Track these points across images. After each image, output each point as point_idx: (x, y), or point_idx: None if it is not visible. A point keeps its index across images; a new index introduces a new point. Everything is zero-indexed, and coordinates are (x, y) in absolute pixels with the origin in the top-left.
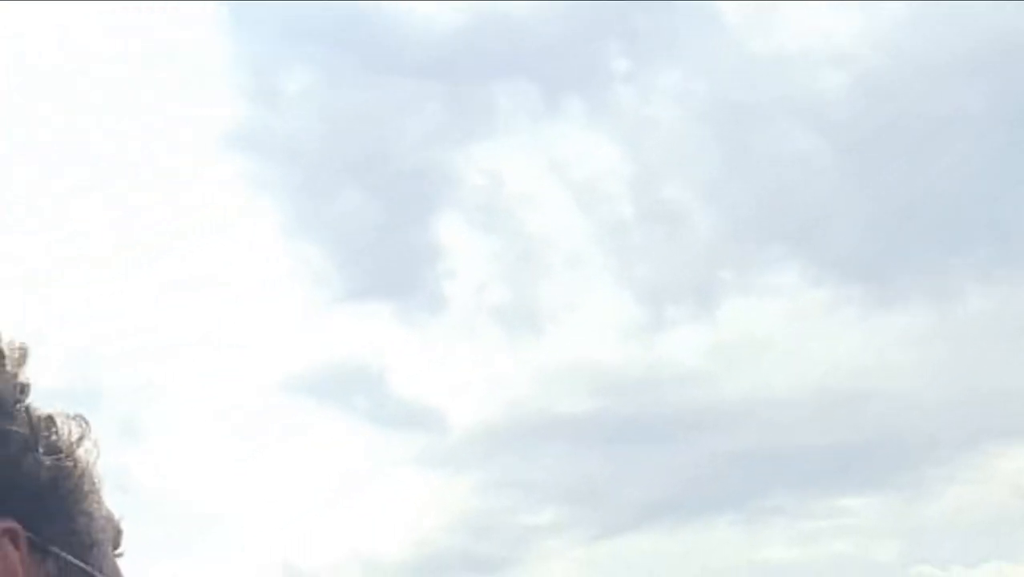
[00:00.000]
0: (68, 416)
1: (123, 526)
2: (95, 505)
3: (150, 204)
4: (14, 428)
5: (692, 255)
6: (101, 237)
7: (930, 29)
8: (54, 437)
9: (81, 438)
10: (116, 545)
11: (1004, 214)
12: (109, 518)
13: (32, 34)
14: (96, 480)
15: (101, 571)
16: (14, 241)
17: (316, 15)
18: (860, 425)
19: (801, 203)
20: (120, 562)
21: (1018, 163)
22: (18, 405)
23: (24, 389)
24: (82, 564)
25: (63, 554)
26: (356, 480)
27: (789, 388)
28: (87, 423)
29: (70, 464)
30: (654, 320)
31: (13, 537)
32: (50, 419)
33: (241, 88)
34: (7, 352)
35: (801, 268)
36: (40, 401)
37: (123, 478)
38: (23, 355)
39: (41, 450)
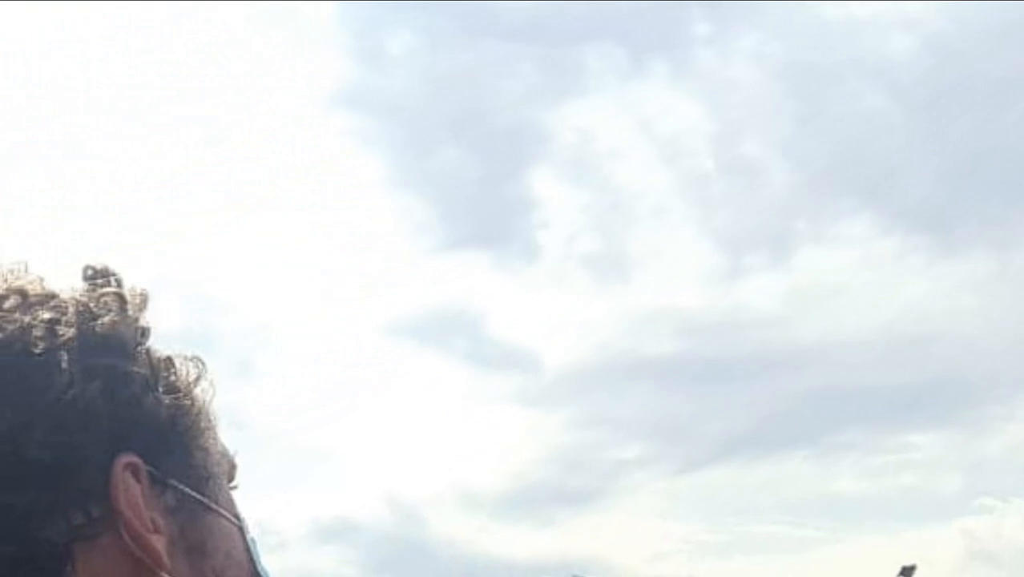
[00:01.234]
0: (186, 358)
1: (237, 460)
2: (211, 441)
3: (265, 158)
4: (135, 369)
5: (768, 206)
6: (218, 190)
7: None
8: (173, 377)
9: (198, 378)
10: (231, 478)
11: None
12: (224, 453)
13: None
14: (212, 417)
15: (217, 502)
16: (135, 194)
17: None
18: (926, 366)
19: (871, 158)
20: (235, 494)
21: None
22: (139, 348)
23: (145, 333)
24: (199, 496)
25: (181, 486)
26: (455, 417)
27: (859, 331)
28: (203, 364)
29: (188, 403)
30: (733, 267)
31: (135, 471)
32: (169, 360)
33: (348, 50)
34: (129, 298)
35: (871, 219)
36: (159, 344)
37: (237, 415)
38: (144, 301)
39: (161, 390)
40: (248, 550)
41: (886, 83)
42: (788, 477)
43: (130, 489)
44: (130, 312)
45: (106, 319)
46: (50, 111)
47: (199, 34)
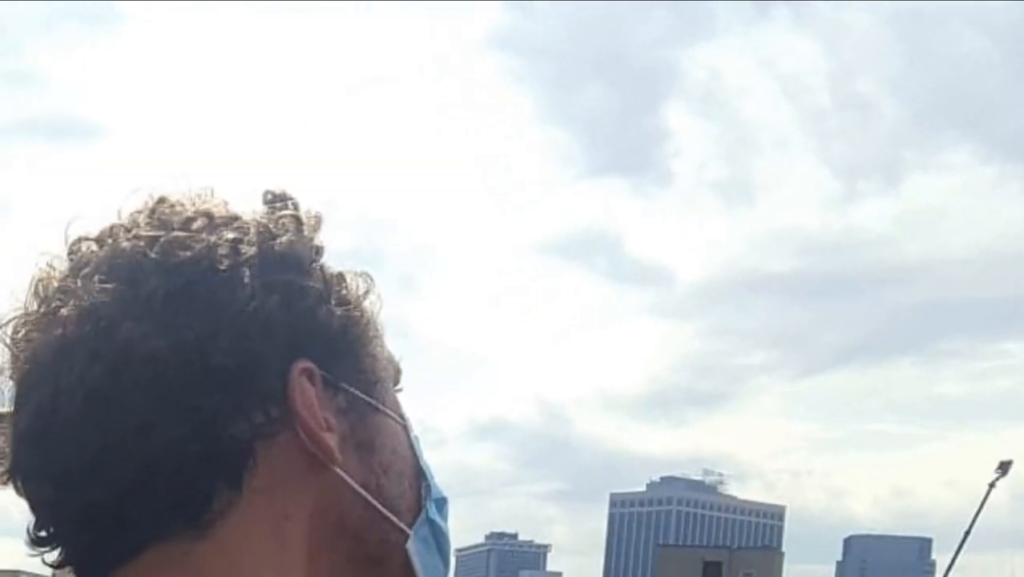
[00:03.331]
0: (356, 273)
1: (402, 366)
2: (378, 348)
3: (427, 95)
4: (311, 284)
5: (879, 138)
6: (385, 123)
7: None
8: (344, 291)
9: (367, 292)
10: (396, 382)
11: None
12: (390, 359)
13: None
14: (379, 327)
15: (383, 404)
16: (311, 127)
17: None
18: (1022, 281)
19: (972, 94)
20: (399, 396)
21: None
22: (313, 264)
23: (319, 251)
24: (367, 398)
25: (351, 389)
26: (597, 327)
27: (962, 250)
28: (372, 279)
29: (357, 314)
30: (847, 193)
31: (310, 375)
32: (341, 276)
33: None
34: (304, 220)
35: (972, 149)
36: (332, 261)
37: (402, 326)
38: (318, 222)
39: (333, 302)
40: (412, 447)
41: (985, 27)
42: (896, 381)
43: (305, 392)
44: (306, 232)
45: (284, 239)
46: (244, 52)
47: None
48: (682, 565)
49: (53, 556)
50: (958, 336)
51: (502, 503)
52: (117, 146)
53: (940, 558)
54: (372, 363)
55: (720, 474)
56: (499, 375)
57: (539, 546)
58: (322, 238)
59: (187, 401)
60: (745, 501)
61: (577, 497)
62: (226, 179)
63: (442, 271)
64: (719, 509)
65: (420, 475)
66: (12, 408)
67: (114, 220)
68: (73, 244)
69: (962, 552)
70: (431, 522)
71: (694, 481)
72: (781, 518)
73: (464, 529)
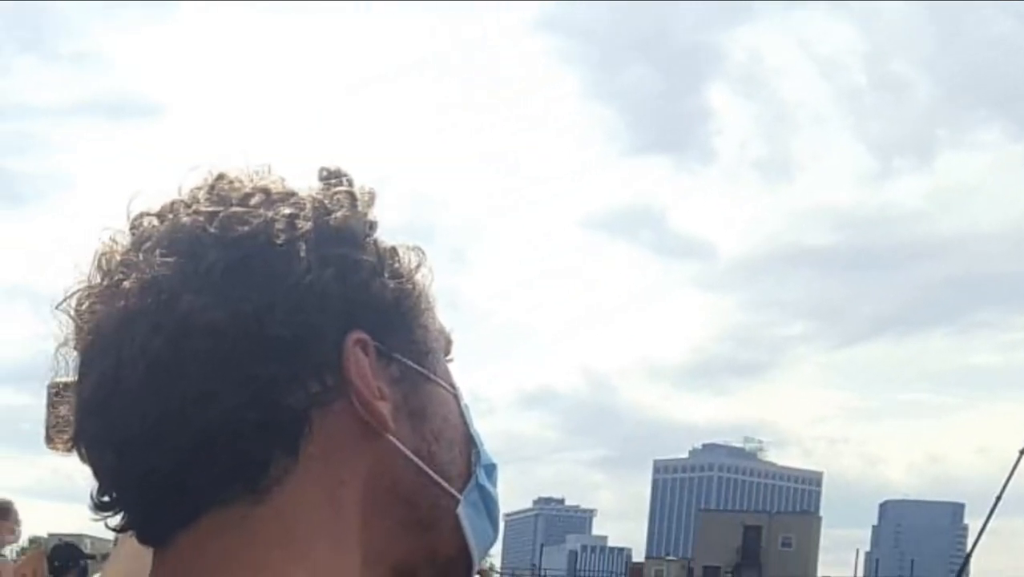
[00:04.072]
0: (408, 247)
1: (453, 337)
2: (430, 320)
3: (478, 75)
4: (365, 257)
5: (914, 116)
6: (437, 103)
7: None
8: (397, 265)
9: (419, 265)
10: (447, 352)
11: None
12: (441, 330)
13: None
14: (431, 299)
15: (435, 373)
16: (366, 107)
17: None
18: None
19: (1004, 74)
20: (450, 366)
21: None
22: (367, 239)
23: (372, 226)
24: (419, 367)
25: (404, 359)
26: (641, 299)
27: (993, 225)
28: (424, 253)
29: (410, 286)
30: (882, 169)
31: (364, 346)
32: (393, 250)
33: None
34: (359, 196)
35: (1003, 127)
36: (385, 236)
37: (453, 298)
38: (372, 198)
39: (386, 275)
40: (462, 415)
41: (1016, 9)
42: (930, 352)
43: (360, 362)
44: (360, 208)
45: (339, 214)
46: (299, 32)
47: None
48: (723, 529)
49: (115, 520)
50: (989, 308)
51: (549, 469)
52: (177, 124)
53: (972, 523)
54: (424, 334)
55: (760, 441)
56: (547, 346)
57: (585, 511)
58: (376, 213)
59: (245, 371)
60: (784, 467)
61: (622, 463)
62: (283, 157)
63: (491, 245)
64: (759, 475)
65: (470, 442)
66: (76, 378)
67: (174, 196)
68: (135, 219)
69: (993, 517)
70: (481, 488)
71: (735, 448)
72: (819, 484)
73: (513, 494)
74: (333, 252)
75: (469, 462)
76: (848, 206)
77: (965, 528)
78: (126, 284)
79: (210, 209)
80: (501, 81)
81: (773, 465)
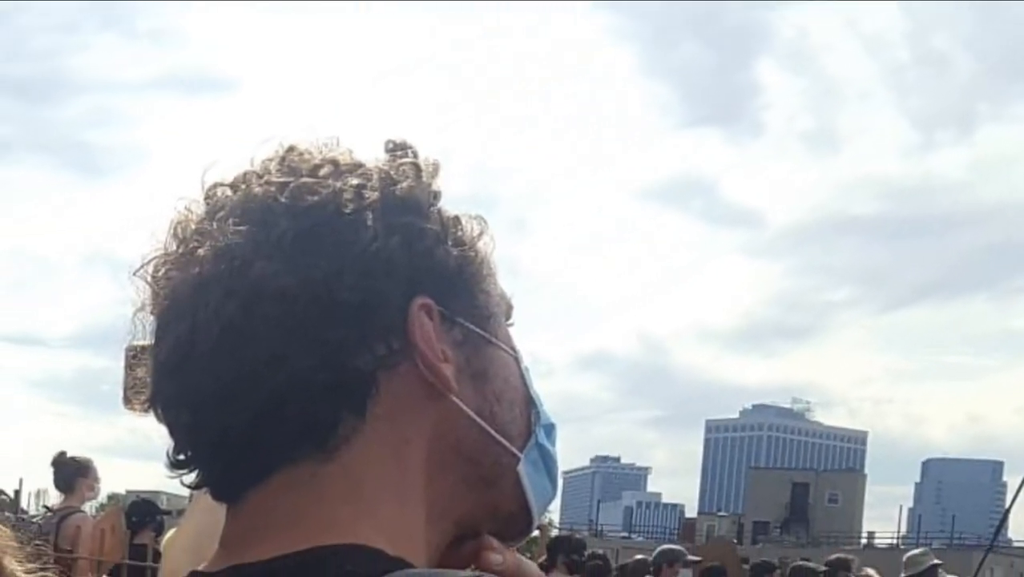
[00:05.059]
0: (471, 216)
1: (513, 302)
2: (492, 285)
3: (538, 51)
4: (429, 226)
5: (955, 91)
6: (498, 78)
7: None
8: (460, 233)
9: (481, 234)
10: (508, 317)
11: None
12: (502, 296)
13: None
14: (492, 266)
15: (496, 337)
16: (429, 81)
17: None
18: None
19: None
20: (511, 330)
21: None
22: (431, 208)
23: (436, 196)
24: (481, 331)
25: (466, 324)
26: (693, 266)
27: None
28: (485, 222)
29: (472, 254)
30: (925, 142)
31: (428, 311)
32: (456, 219)
33: None
34: (423, 167)
35: None
36: (449, 205)
37: (514, 265)
38: (436, 169)
39: (450, 243)
40: (522, 377)
41: None
42: (971, 316)
43: (424, 326)
44: (424, 178)
45: (404, 184)
46: (366, 11)
47: None
48: (772, 486)
49: (191, 478)
50: None
51: (606, 429)
52: (250, 99)
53: (1011, 480)
54: (486, 299)
55: (807, 402)
56: (603, 310)
57: (640, 468)
58: (439, 184)
59: (315, 334)
60: (830, 427)
61: (675, 423)
62: (350, 129)
63: (551, 215)
64: (806, 434)
65: (530, 403)
66: (152, 341)
67: (247, 167)
68: (209, 189)
69: None
70: (540, 446)
71: (783, 408)
72: (864, 442)
73: (571, 452)
74: (399, 221)
75: (529, 422)
76: (892, 177)
77: (1004, 485)
78: (200, 251)
79: (281, 180)
80: (560, 57)
81: (820, 425)
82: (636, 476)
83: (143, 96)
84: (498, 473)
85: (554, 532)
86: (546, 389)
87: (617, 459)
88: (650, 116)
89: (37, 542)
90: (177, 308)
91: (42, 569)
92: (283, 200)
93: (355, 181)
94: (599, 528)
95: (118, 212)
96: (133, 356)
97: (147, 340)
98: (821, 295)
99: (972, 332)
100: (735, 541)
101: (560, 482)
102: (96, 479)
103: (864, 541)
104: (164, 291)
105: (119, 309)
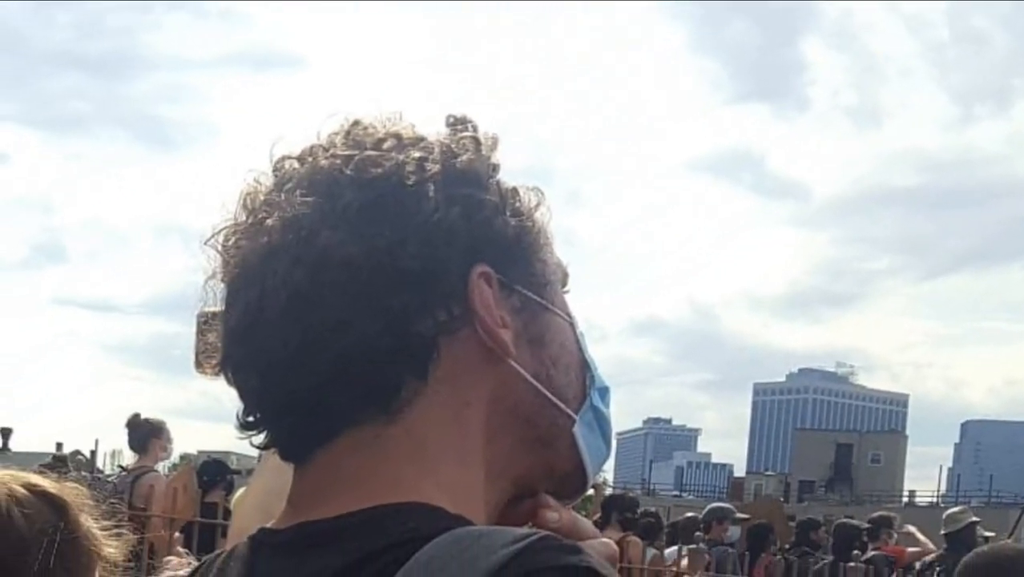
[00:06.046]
0: (528, 188)
1: (569, 270)
2: (548, 254)
3: (592, 30)
4: (488, 197)
5: (993, 67)
6: (557, 57)
7: None
8: (518, 204)
9: (538, 205)
10: (564, 284)
11: None
12: (559, 264)
13: None
14: (549, 236)
15: (553, 304)
16: (489, 61)
17: None
18: None
19: None
20: (567, 297)
21: None
22: (490, 180)
23: (495, 168)
24: (538, 298)
25: (524, 291)
26: (742, 235)
27: None
28: (542, 193)
29: (529, 224)
30: (964, 116)
31: (487, 278)
32: (514, 190)
33: None
34: (483, 140)
35: None
36: (507, 177)
37: (569, 235)
38: (495, 143)
39: (508, 213)
40: (578, 342)
41: None
42: (1009, 283)
43: (483, 293)
44: (484, 151)
45: (464, 157)
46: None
47: None
48: (817, 446)
49: (259, 439)
50: None
51: (658, 391)
52: (316, 76)
53: None
54: (542, 267)
55: (851, 366)
56: (656, 278)
57: (691, 430)
58: (498, 157)
59: (379, 301)
60: (873, 390)
61: (724, 386)
62: (412, 105)
63: (605, 187)
64: (850, 397)
65: (585, 367)
66: (223, 308)
67: (313, 141)
68: (277, 162)
69: None
70: (595, 408)
71: (828, 372)
72: (905, 405)
73: (624, 415)
74: (459, 192)
75: (584, 385)
76: (932, 150)
77: None
78: (269, 222)
79: (346, 153)
80: (614, 35)
81: (863, 388)
82: (687, 437)
83: (213, 73)
84: (554, 434)
85: (608, 491)
86: (600, 354)
87: (669, 421)
88: (700, 92)
89: (112, 500)
90: (246, 276)
91: (117, 526)
92: (348, 172)
93: (417, 154)
94: (651, 487)
95: (189, 184)
96: (204, 322)
97: (218, 307)
98: (864, 264)
99: (1010, 299)
100: (782, 499)
101: (614, 443)
102: (169, 440)
103: (905, 499)
104: (234, 260)
105: (190, 277)
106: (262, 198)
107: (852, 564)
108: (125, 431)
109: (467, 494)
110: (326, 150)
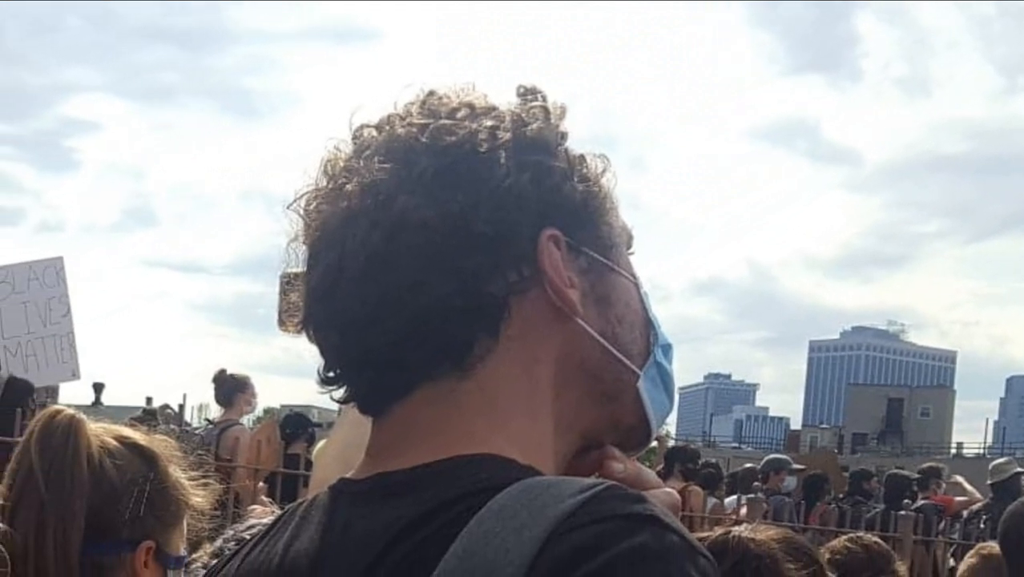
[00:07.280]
0: (595, 155)
1: (634, 233)
2: (614, 218)
3: (657, 7)
4: (557, 164)
5: None
6: (624, 28)
7: None
8: (585, 170)
9: (604, 171)
10: (629, 246)
11: None
12: (624, 227)
13: None
14: (614, 200)
15: (618, 265)
16: (559, 35)
17: None
18: None
19: None
20: (632, 259)
21: None
22: (559, 147)
23: (564, 136)
24: (604, 260)
25: (591, 253)
26: (798, 200)
27: None
28: (608, 160)
29: (596, 189)
30: (1010, 86)
31: (556, 241)
32: (582, 157)
33: None
34: (552, 110)
35: None
36: (575, 145)
37: (634, 199)
38: (563, 112)
39: (576, 179)
40: (642, 301)
41: None
42: None
43: (552, 255)
44: (552, 120)
45: (534, 126)
46: None
47: None
48: (870, 401)
49: (339, 393)
50: None
51: (718, 348)
52: (393, 48)
53: None
54: (608, 231)
55: (902, 324)
56: (716, 241)
57: (749, 385)
58: (566, 125)
59: (453, 262)
60: (923, 347)
61: (781, 343)
62: (485, 76)
63: (668, 154)
64: (901, 354)
65: (649, 325)
66: (304, 269)
67: (391, 110)
68: (356, 130)
69: None
70: (658, 364)
71: (880, 330)
72: (953, 361)
73: (685, 370)
74: (529, 159)
75: (648, 342)
76: (979, 118)
77: None
78: (348, 187)
79: (422, 121)
80: (676, 10)
81: (913, 345)
82: (746, 392)
83: (295, 45)
84: (620, 389)
85: (671, 443)
86: (663, 313)
87: (728, 376)
88: (758, 63)
89: (199, 452)
90: (327, 238)
91: (204, 476)
92: (424, 140)
93: (489, 123)
94: (712, 439)
95: (273, 151)
96: (287, 282)
97: (300, 268)
98: (914, 227)
99: None
100: (836, 451)
101: (676, 397)
102: (253, 394)
103: (953, 451)
104: (315, 223)
105: (274, 240)
106: (342, 164)
107: (903, 513)
108: (211, 386)
109: (536, 446)
110: (403, 119)
